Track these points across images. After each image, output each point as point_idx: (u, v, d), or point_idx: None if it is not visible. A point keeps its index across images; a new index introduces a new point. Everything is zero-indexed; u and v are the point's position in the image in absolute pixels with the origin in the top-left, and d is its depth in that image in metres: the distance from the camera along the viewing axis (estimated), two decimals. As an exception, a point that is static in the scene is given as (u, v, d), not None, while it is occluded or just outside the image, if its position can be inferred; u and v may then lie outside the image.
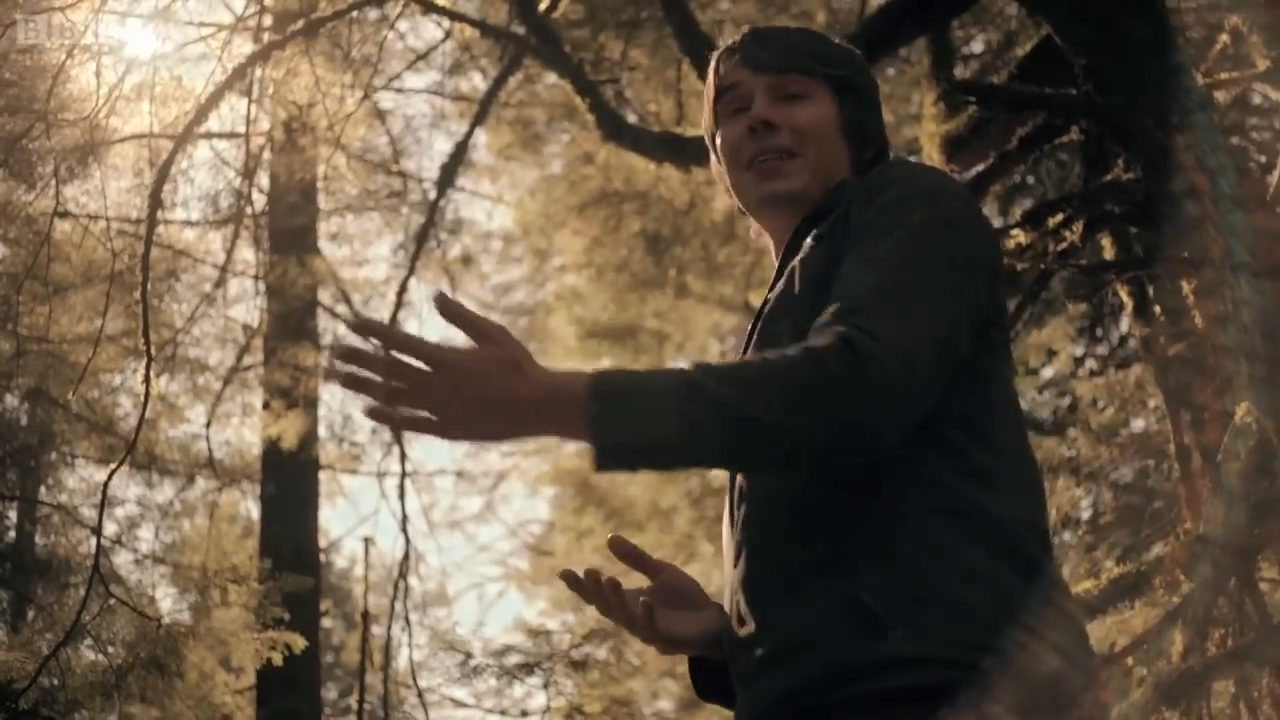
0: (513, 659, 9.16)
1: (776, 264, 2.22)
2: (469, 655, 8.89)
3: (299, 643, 6.61)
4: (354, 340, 1.75)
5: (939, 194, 2.00)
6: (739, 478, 2.05)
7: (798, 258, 2.05)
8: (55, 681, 5.86)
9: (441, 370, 1.73)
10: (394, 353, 1.73)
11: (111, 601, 6.00)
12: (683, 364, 1.80)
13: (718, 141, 2.26)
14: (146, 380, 5.78)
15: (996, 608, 1.79)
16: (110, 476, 6.10)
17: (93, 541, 8.75)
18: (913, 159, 2.19)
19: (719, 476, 17.19)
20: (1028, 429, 2.06)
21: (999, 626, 1.78)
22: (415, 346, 1.73)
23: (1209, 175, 3.93)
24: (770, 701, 1.88)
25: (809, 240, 2.06)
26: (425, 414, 1.75)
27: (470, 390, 1.73)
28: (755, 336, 2.07)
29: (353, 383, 1.75)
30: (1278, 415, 3.97)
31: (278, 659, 6.57)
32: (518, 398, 1.74)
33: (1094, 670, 1.89)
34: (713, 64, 2.28)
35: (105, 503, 6.13)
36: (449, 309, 1.76)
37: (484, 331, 1.76)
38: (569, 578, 2.05)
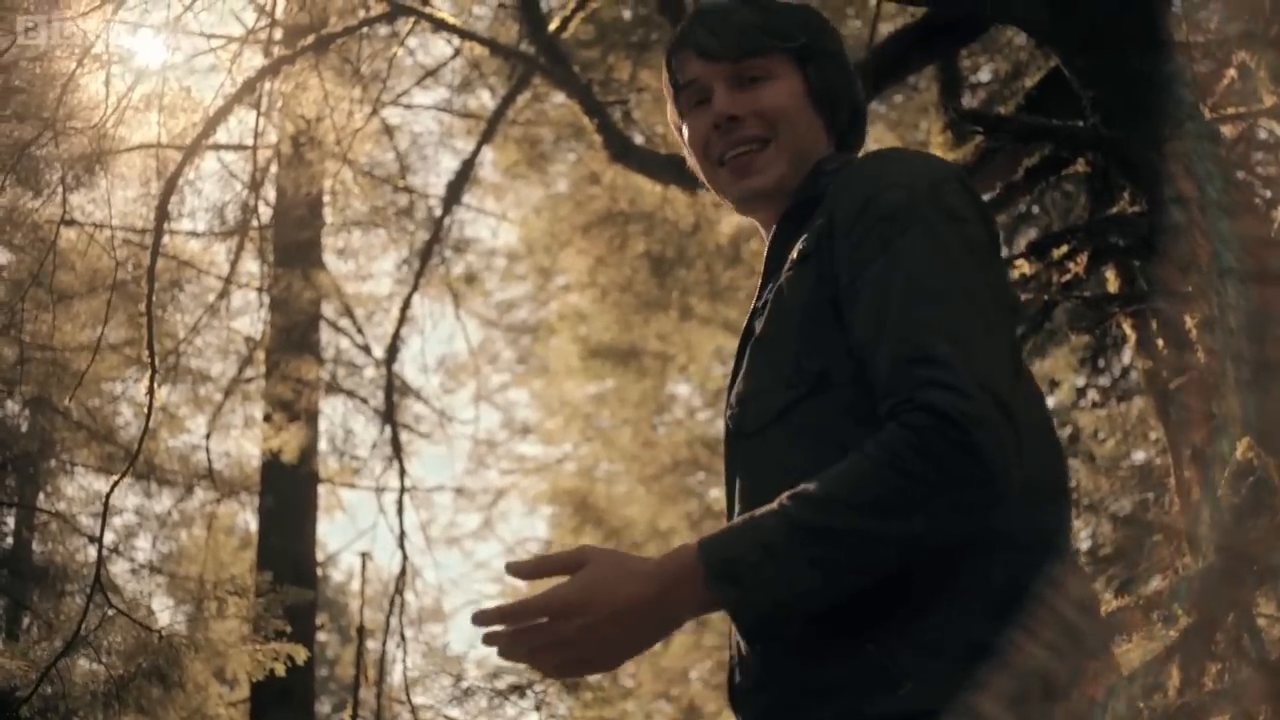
0: (506, 679, 9.15)
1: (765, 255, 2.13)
2: (460, 677, 8.87)
3: (301, 654, 6.58)
4: (482, 628, 1.77)
5: (935, 187, 1.86)
6: (737, 508, 1.95)
7: (781, 278, 1.94)
8: (51, 690, 5.85)
9: (560, 614, 1.73)
10: (518, 625, 1.75)
11: (111, 612, 5.99)
12: (770, 505, 1.71)
13: (684, 136, 2.17)
14: (150, 393, 5.78)
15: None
16: (112, 488, 6.10)
17: (90, 550, 8.75)
18: (885, 149, 2.07)
19: (720, 498, 17.19)
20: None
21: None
22: (528, 609, 1.75)
23: (1196, 182, 3.94)
24: None
25: (792, 256, 1.93)
26: (574, 657, 1.76)
27: (593, 616, 1.72)
28: (750, 364, 1.96)
29: (507, 655, 1.78)
30: (1264, 416, 3.99)
31: (280, 670, 6.55)
32: (637, 599, 1.73)
33: (1082, 667, 1.81)
34: (666, 56, 2.18)
35: (107, 514, 6.11)
36: (525, 570, 1.79)
37: (570, 561, 1.77)
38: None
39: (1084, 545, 9.16)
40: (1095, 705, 1.81)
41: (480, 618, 1.77)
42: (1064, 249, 5.15)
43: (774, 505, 1.71)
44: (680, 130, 2.19)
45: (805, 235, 1.93)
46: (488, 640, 1.77)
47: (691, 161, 2.20)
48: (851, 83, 2.16)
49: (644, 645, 1.78)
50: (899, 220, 1.81)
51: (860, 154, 2.17)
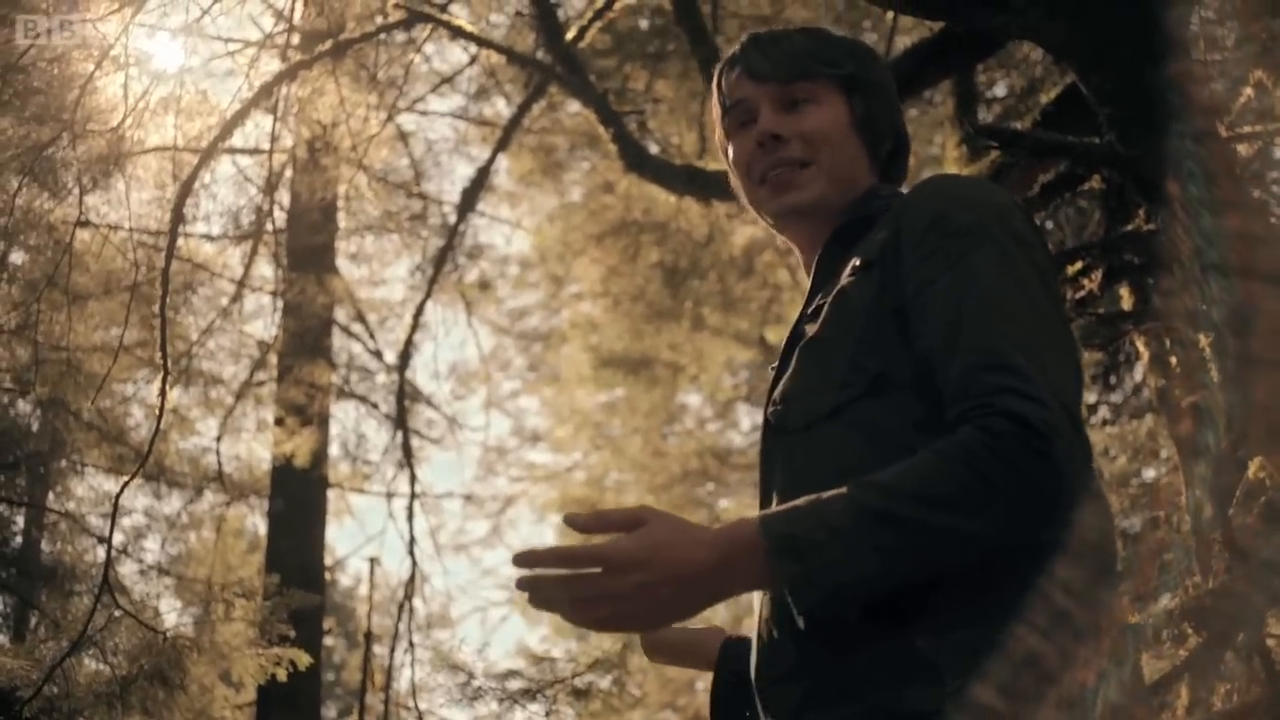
0: (515, 684, 9.13)
1: (810, 275, 2.15)
2: (471, 677, 8.85)
3: (304, 659, 6.59)
4: (523, 569, 1.74)
5: (1005, 212, 1.90)
6: (775, 502, 1.94)
7: (841, 282, 1.96)
8: (56, 690, 5.85)
9: (618, 567, 1.70)
10: (571, 571, 1.72)
11: (117, 613, 5.99)
12: (837, 491, 1.71)
13: (729, 156, 2.21)
14: (162, 394, 5.80)
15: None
16: (122, 489, 6.09)
17: (98, 550, 8.76)
18: (946, 174, 2.11)
19: (729, 508, 17.18)
20: None
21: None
22: (584, 556, 1.72)
23: (1179, 181, 3.96)
24: None
25: (854, 263, 1.95)
26: (622, 613, 1.73)
27: (651, 575, 1.70)
28: (799, 363, 1.97)
29: (541, 602, 1.75)
30: (1247, 408, 4.02)
31: (282, 675, 6.55)
32: (696, 565, 1.71)
33: (1072, 651, 1.81)
34: (716, 77, 2.23)
35: (116, 515, 6.11)
36: (582, 522, 1.76)
37: (629, 518, 1.74)
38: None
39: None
40: (1085, 690, 1.81)
41: (528, 558, 1.74)
42: (1078, 265, 5.14)
43: (841, 490, 1.71)
44: (725, 151, 2.23)
45: (865, 245, 1.96)
46: (523, 583, 1.75)
47: (734, 181, 2.24)
48: (896, 116, 2.21)
49: (691, 612, 1.76)
50: (972, 237, 1.85)
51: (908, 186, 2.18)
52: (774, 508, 1.79)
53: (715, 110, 2.24)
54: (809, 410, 1.91)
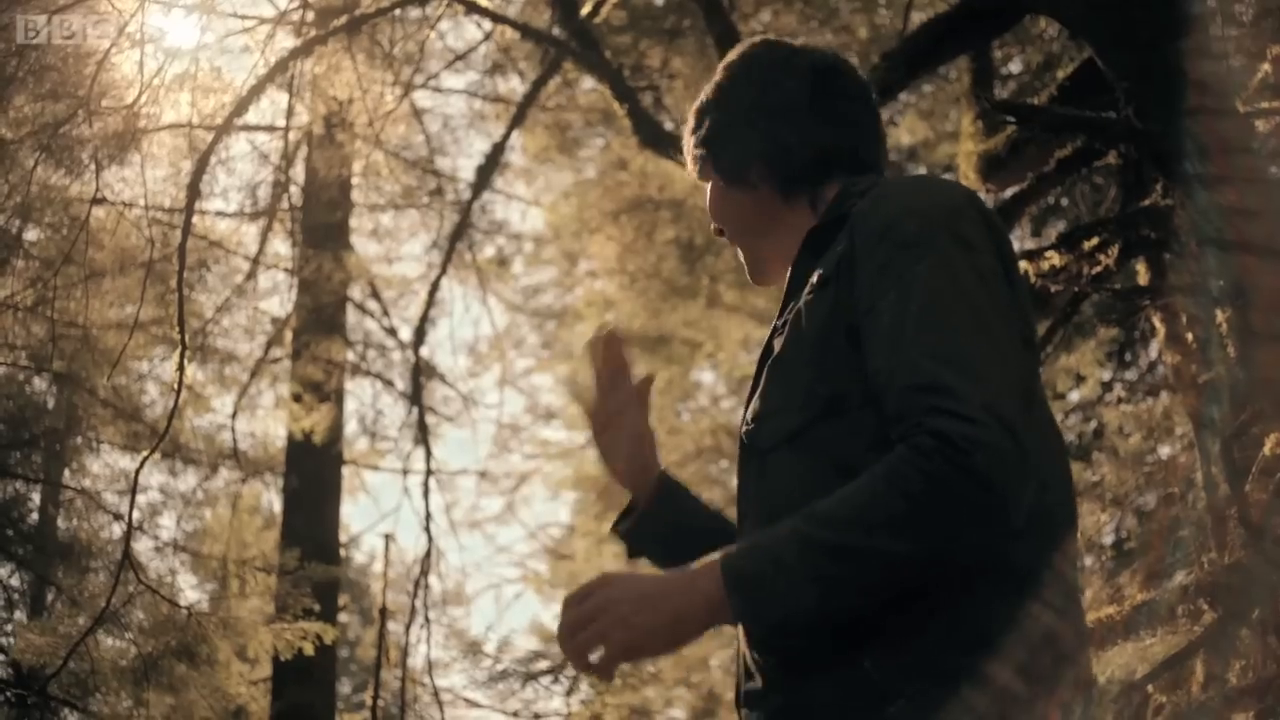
0: (535, 665, 9.18)
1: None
2: (497, 660, 8.90)
3: (330, 633, 6.62)
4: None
5: (952, 215, 1.88)
6: (747, 515, 1.99)
7: (801, 299, 1.96)
8: (78, 666, 5.88)
9: (575, 600, 1.80)
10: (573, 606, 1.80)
11: (132, 588, 6.01)
12: (787, 521, 1.74)
13: None
14: (180, 370, 5.81)
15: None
16: (141, 465, 6.11)
17: (114, 527, 8.79)
18: (906, 176, 2.12)
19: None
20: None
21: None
22: (581, 592, 1.81)
23: (1179, 157, 3.98)
24: None
25: (812, 280, 1.95)
26: (612, 642, 1.78)
27: (611, 592, 1.77)
28: (766, 382, 1.99)
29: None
30: (1251, 382, 4.04)
31: (309, 649, 6.57)
32: (655, 580, 1.79)
33: (1084, 629, 1.85)
34: None
35: (135, 491, 6.12)
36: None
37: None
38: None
39: (1108, 540, 9.13)
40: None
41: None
42: (1094, 241, 5.12)
43: (789, 521, 1.74)
44: None
45: (826, 257, 1.97)
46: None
47: None
48: (758, 136, 2.16)
49: (659, 634, 1.77)
50: (916, 249, 1.83)
51: (886, 177, 2.16)
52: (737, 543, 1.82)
53: None
54: (774, 432, 1.94)
